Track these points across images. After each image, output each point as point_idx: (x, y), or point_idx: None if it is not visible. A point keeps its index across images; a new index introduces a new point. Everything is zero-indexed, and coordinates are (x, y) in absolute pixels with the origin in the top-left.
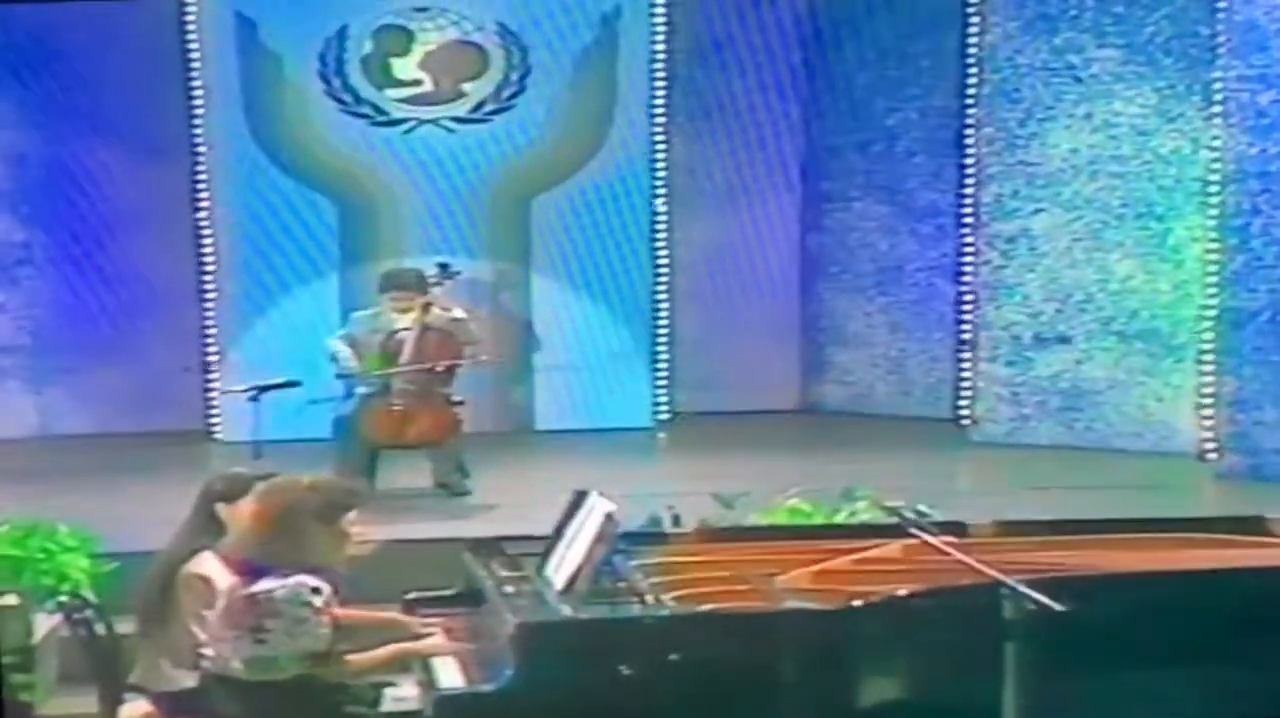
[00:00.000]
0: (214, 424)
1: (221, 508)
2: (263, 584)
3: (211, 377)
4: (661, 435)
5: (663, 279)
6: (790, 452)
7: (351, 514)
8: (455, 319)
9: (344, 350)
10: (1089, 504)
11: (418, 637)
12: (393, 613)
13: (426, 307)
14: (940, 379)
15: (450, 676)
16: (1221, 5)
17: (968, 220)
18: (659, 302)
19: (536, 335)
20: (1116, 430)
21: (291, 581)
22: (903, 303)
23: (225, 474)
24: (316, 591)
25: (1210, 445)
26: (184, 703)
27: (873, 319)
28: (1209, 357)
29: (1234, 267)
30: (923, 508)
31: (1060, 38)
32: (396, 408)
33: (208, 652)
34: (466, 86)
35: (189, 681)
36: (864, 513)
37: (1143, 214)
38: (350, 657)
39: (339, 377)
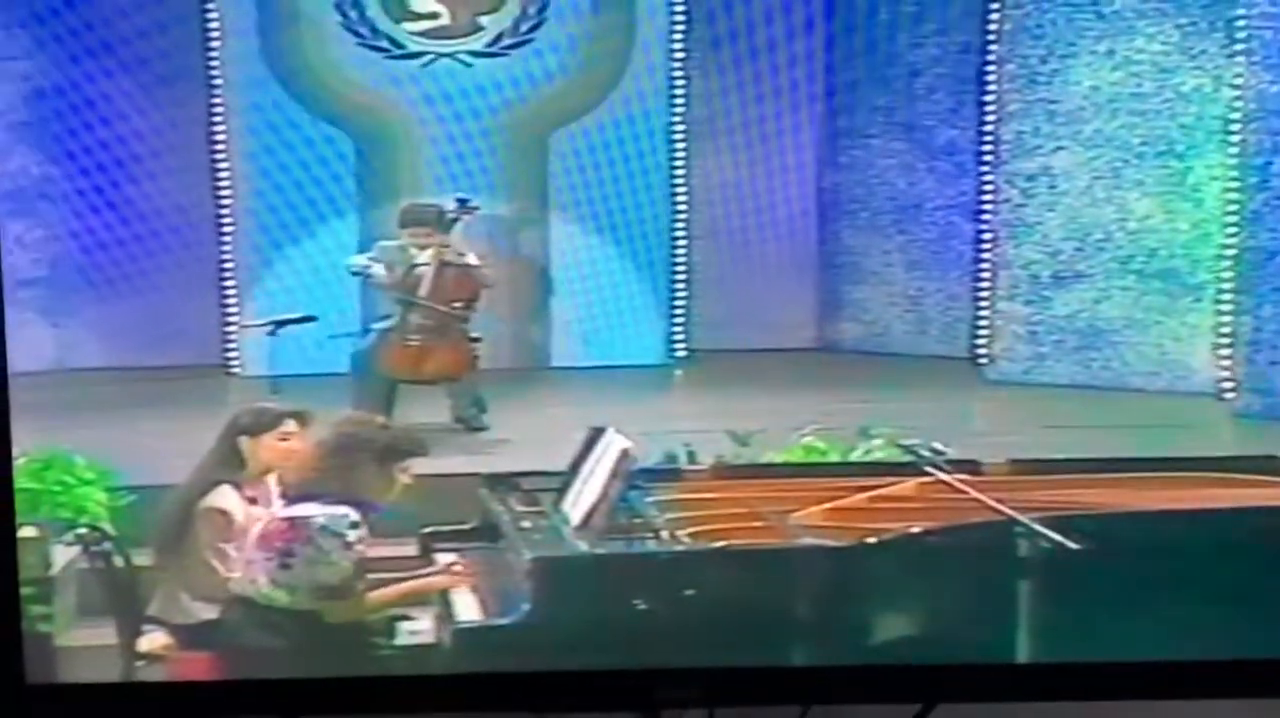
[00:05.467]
0: (231, 359)
1: (244, 441)
2: (306, 508)
3: (229, 311)
4: (678, 373)
5: (680, 215)
6: (806, 389)
7: (409, 463)
8: (469, 265)
9: (374, 266)
10: (1105, 443)
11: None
12: (425, 580)
13: (444, 247)
14: (957, 318)
15: (467, 609)
16: None
17: (987, 158)
18: (676, 238)
19: (553, 271)
20: (1134, 369)
21: (336, 509)
22: (921, 241)
23: (252, 408)
24: (355, 525)
25: (1227, 385)
26: (201, 635)
27: (890, 257)
28: (1227, 296)
29: (1254, 205)
30: (938, 446)
31: None
32: (413, 343)
33: (235, 572)
34: (484, 20)
35: (207, 613)
36: (879, 451)
37: (1163, 152)
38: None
39: (358, 275)
